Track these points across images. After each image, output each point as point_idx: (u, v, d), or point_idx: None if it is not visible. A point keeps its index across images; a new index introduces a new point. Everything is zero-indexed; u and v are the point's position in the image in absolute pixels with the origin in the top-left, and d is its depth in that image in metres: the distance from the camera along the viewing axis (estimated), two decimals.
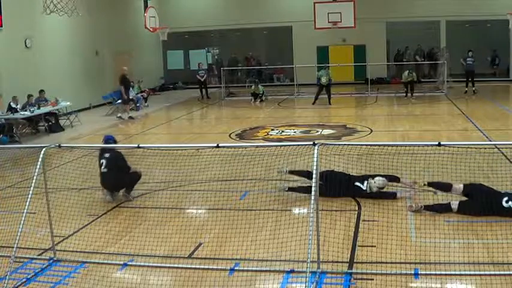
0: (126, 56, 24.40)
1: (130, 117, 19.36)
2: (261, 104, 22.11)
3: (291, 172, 9.10)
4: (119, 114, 19.56)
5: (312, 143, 5.73)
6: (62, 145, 6.83)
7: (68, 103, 18.24)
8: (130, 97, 20.92)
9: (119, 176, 8.87)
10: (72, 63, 21.18)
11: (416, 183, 8.33)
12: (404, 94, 22.04)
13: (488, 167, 9.32)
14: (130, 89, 21.07)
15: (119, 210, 8.60)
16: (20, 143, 14.92)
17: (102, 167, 8.87)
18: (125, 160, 9.03)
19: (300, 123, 17.29)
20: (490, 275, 5.66)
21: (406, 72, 22.02)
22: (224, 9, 28.58)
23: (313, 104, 20.96)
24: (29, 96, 16.69)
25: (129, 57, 24.83)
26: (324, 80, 20.84)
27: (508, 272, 5.77)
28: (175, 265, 6.33)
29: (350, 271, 5.99)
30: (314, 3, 24.60)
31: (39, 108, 16.65)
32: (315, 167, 5.49)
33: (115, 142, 9.55)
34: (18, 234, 5.88)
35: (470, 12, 25.81)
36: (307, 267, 5.09)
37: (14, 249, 5.79)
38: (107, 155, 8.91)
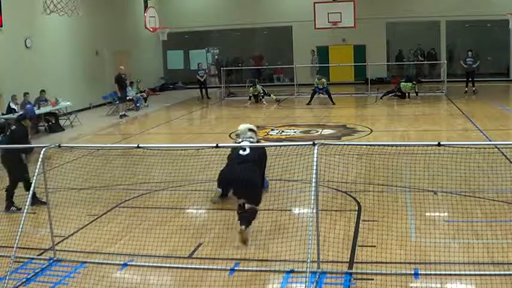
0: (125, 56, 24.38)
1: (124, 115, 19.39)
2: (265, 103, 21.94)
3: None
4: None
5: (311, 142, 5.73)
6: (61, 145, 6.83)
7: (68, 103, 18.24)
8: (130, 97, 20.95)
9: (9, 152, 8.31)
10: (72, 63, 21.16)
11: None
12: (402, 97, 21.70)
13: (488, 167, 9.31)
14: (129, 88, 21.09)
15: (119, 210, 8.59)
16: None
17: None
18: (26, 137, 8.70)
19: (300, 123, 17.28)
20: (490, 275, 5.66)
21: (410, 84, 21.22)
22: (224, 9, 28.55)
23: (308, 104, 20.92)
24: (25, 94, 16.43)
25: (128, 57, 24.80)
26: (320, 86, 21.10)
27: (508, 272, 5.77)
28: (175, 265, 6.33)
29: (350, 271, 5.99)
30: (314, 3, 24.60)
31: (39, 108, 16.64)
32: (314, 167, 5.49)
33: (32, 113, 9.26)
34: (18, 234, 5.88)
35: (470, 12, 25.80)
36: (307, 267, 5.09)
37: (14, 249, 5.79)
38: (13, 127, 8.84)
